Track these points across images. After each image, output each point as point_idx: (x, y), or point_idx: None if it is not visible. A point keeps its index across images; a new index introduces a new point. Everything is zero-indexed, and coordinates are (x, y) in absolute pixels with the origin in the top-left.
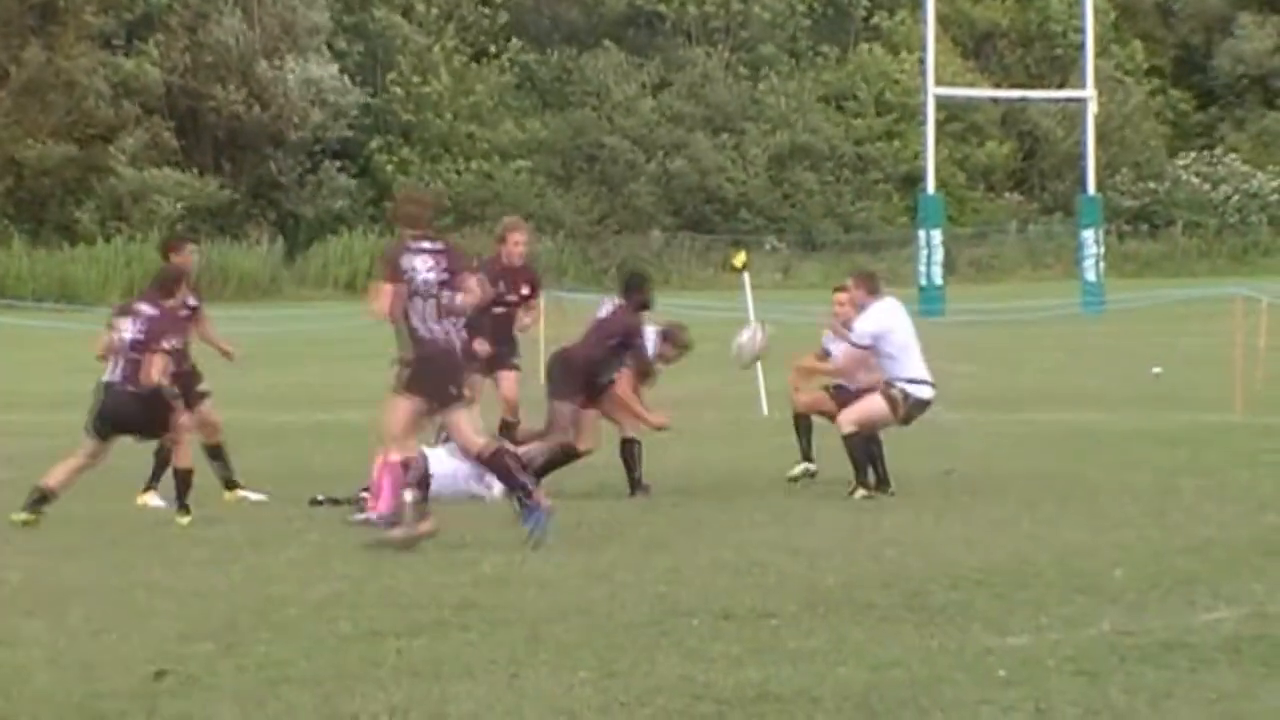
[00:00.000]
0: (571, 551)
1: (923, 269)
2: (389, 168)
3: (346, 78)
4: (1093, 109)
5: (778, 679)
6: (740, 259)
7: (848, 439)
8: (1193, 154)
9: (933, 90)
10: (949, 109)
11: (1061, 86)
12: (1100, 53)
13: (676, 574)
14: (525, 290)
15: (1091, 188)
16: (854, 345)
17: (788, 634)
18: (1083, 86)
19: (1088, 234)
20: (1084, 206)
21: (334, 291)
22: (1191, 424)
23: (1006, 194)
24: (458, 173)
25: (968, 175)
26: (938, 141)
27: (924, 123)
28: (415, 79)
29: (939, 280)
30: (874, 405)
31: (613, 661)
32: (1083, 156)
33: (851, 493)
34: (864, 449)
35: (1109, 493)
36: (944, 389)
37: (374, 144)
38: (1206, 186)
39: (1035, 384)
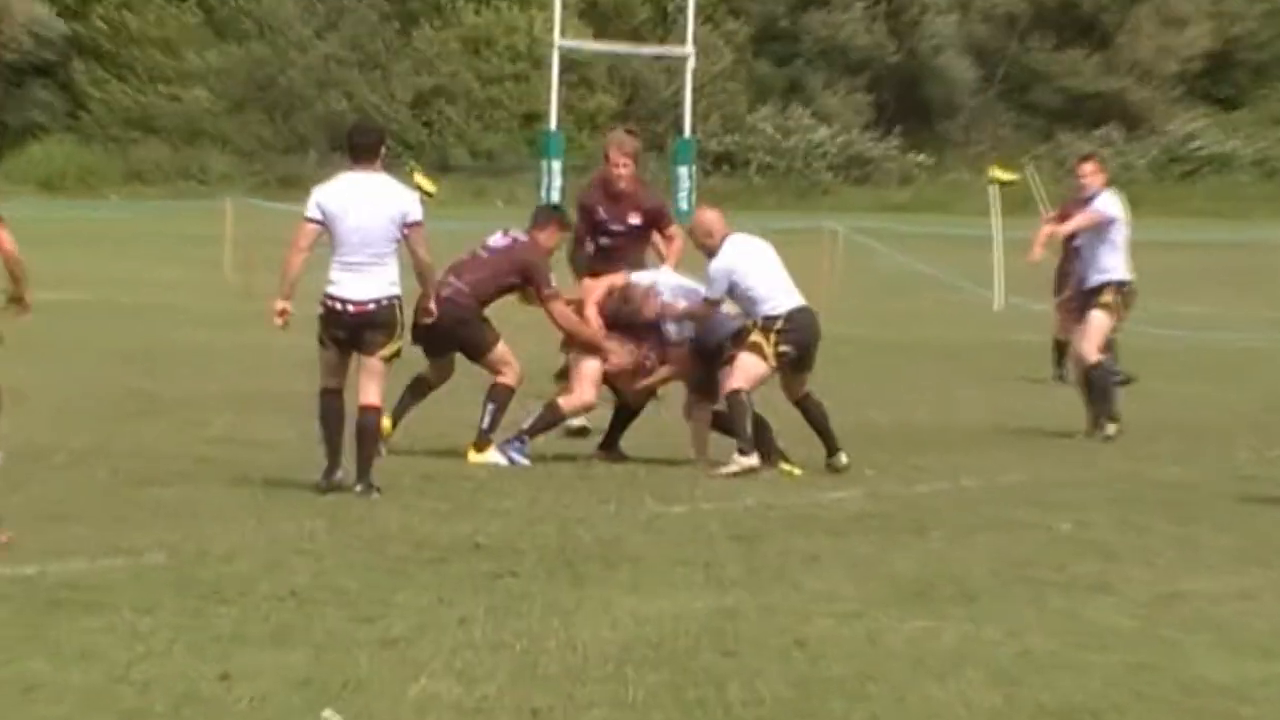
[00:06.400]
0: (293, 419)
1: (543, 193)
2: (89, 86)
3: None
4: (692, 64)
5: (485, 532)
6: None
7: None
8: (770, 108)
9: (559, 42)
10: (566, 60)
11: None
12: (705, 19)
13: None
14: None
15: (687, 132)
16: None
17: (484, 495)
18: (684, 45)
19: (682, 170)
20: (679, 147)
21: (30, 188)
22: None
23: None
24: (144, 94)
25: (576, 117)
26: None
27: (550, 69)
28: (117, 14)
29: (558, 203)
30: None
31: (341, 513)
32: (680, 105)
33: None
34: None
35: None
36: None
37: (76, 66)
38: (779, 136)
39: None
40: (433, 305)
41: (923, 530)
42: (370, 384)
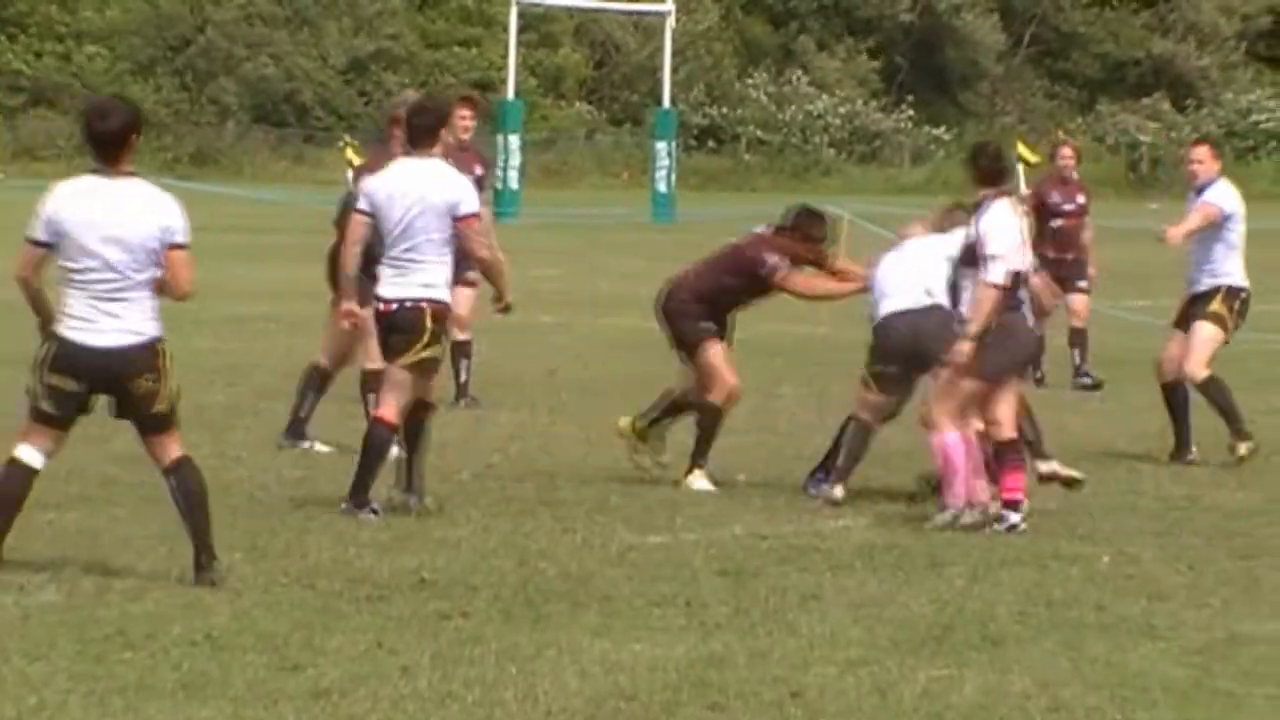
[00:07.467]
0: (200, 433)
1: (500, 173)
2: None
3: None
4: (671, 23)
5: (431, 566)
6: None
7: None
8: (764, 74)
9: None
10: (526, 18)
11: None
12: None
13: (308, 459)
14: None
15: (667, 101)
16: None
17: (431, 523)
18: (662, 0)
19: (661, 146)
20: (659, 119)
21: None
22: (781, 334)
23: (577, 103)
24: (36, 55)
25: (539, 82)
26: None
27: (506, 31)
28: None
29: (515, 185)
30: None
31: (265, 543)
32: (659, 70)
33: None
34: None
35: None
36: (533, 291)
37: None
38: (774, 107)
39: (617, 289)
40: (510, 298)
41: (939, 565)
42: (389, 394)
